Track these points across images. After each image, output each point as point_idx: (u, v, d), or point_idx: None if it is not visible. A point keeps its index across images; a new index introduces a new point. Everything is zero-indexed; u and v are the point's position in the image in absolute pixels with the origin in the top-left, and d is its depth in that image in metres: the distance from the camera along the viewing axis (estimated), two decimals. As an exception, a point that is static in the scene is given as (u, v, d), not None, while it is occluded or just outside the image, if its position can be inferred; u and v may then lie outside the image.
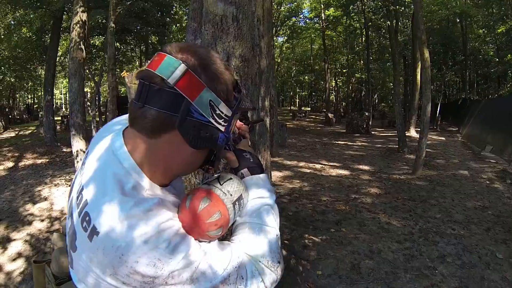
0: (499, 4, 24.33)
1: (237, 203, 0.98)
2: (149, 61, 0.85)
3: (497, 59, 27.35)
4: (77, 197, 0.86)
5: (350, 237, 5.04)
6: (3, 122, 21.08)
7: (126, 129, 0.91)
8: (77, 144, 9.13)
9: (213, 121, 0.84)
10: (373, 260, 4.37)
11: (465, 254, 4.57)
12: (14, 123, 25.71)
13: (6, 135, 18.96)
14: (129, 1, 14.37)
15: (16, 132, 20.08)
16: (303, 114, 33.66)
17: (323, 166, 10.45)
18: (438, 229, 5.40)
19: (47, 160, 11.56)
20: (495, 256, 4.52)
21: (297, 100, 55.00)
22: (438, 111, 21.98)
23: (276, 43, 36.88)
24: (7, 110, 26.31)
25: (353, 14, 28.42)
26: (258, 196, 1.07)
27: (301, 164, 10.72)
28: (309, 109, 45.63)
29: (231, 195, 0.96)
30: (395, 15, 18.38)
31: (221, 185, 0.98)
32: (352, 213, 6.14)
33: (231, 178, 1.01)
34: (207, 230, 0.87)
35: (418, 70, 18.37)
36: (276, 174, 9.07)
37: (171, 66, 0.78)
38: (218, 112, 0.84)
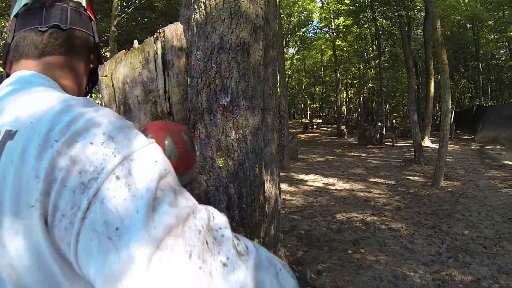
0: (510, 6, 23.98)
1: None
2: None
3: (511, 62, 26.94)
4: None
5: (370, 260, 4.51)
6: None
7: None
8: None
9: None
10: (398, 288, 3.85)
11: (502, 276, 4.05)
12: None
13: None
14: (131, 7, 14.37)
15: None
16: (315, 126, 33.16)
17: (336, 179, 9.93)
18: (468, 248, 4.87)
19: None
20: (536, 278, 4.02)
21: (308, 112, 54.57)
22: (452, 120, 21.40)
23: (286, 55, 36.82)
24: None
25: (363, 22, 28.18)
26: None
27: (314, 177, 10.21)
28: (320, 121, 45.16)
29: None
30: (408, 20, 17.95)
31: None
32: (370, 231, 5.61)
33: None
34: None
35: (432, 77, 17.89)
36: (287, 189, 8.58)
37: None
38: None
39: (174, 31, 2.10)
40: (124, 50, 2.40)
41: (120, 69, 2.32)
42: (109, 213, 0.48)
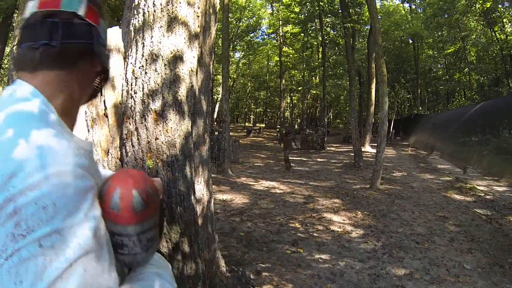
0: (448, 27, 25.90)
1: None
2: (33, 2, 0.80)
3: (447, 76, 28.98)
4: None
5: (309, 259, 4.52)
6: None
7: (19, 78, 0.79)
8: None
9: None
10: (336, 284, 3.87)
11: (433, 268, 4.30)
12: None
13: None
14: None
15: None
16: (258, 131, 33.35)
17: (277, 182, 9.98)
18: (402, 244, 5.09)
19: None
20: (463, 267, 4.32)
21: (252, 117, 54.89)
22: (391, 127, 22.48)
23: (233, 59, 36.85)
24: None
25: (310, 31, 28.96)
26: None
27: (254, 181, 10.19)
28: (264, 125, 45.57)
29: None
30: (352, 32, 18.67)
31: None
32: (309, 231, 5.65)
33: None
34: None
35: (373, 86, 18.68)
36: (227, 192, 8.50)
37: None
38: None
39: (111, 36, 2.19)
40: None
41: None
42: (21, 271, 0.58)
